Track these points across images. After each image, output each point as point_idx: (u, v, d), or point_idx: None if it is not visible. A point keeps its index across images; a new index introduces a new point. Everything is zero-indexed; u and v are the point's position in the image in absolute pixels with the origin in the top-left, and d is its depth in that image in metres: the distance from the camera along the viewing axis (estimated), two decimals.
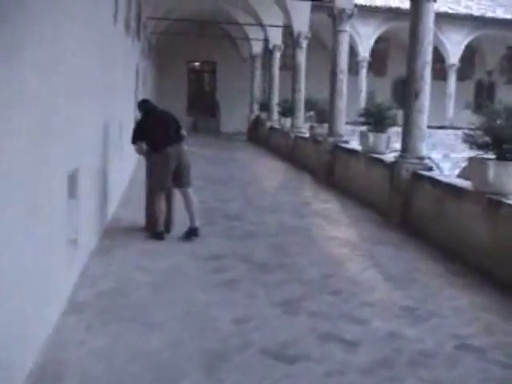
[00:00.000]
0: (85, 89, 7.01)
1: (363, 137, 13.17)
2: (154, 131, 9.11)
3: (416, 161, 10.51)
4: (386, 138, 12.94)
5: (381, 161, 12.02)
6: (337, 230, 10.14)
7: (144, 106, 9.67)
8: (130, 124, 14.94)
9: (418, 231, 9.87)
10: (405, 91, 10.72)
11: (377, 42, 32.66)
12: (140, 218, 9.37)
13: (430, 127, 22.88)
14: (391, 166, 11.02)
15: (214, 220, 10.29)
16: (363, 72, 31.80)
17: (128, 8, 12.94)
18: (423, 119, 10.53)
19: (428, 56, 10.51)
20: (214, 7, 26.55)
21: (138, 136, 9.20)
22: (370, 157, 12.73)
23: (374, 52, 32.65)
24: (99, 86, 8.33)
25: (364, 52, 31.90)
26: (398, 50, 36.62)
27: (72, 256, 6.43)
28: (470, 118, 11.42)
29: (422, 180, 10.17)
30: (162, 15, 23.20)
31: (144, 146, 9.11)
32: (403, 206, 10.49)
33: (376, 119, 12.76)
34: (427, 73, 10.52)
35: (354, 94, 25.08)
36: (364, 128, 13.37)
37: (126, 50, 12.78)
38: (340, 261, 8.18)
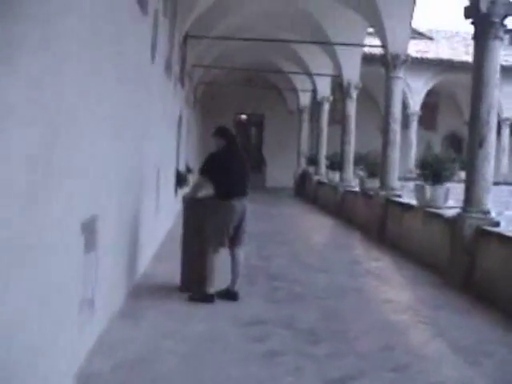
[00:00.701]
0: (106, 123, 6.13)
1: (419, 190, 12.12)
2: (229, 173, 7.79)
3: (481, 215, 9.45)
4: (445, 190, 11.88)
5: (440, 216, 10.95)
6: (392, 291, 9.06)
7: (228, 135, 8.12)
8: (170, 172, 14.21)
9: (484, 295, 8.73)
10: (468, 138, 9.71)
11: (427, 95, 31.74)
12: (176, 275, 8.39)
13: None
14: (452, 222, 9.97)
15: (255, 280, 9.29)
16: (414, 126, 30.82)
17: (169, 50, 12.24)
18: (489, 169, 9.50)
19: (493, 100, 9.51)
20: (262, 58, 25.95)
21: (209, 171, 7.87)
22: (427, 211, 11.66)
23: (424, 105, 31.70)
24: (127, 124, 7.39)
25: (415, 106, 30.96)
26: (449, 104, 35.76)
27: (86, 319, 5.49)
28: None
29: (489, 236, 9.08)
30: (207, 65, 22.63)
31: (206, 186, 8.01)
32: (467, 266, 9.39)
33: (434, 171, 11.73)
34: (492, 118, 9.52)
35: (404, 148, 24.10)
36: (419, 182, 12.33)
37: (166, 93, 12.00)
38: (400, 329, 7.09)
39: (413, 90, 30.70)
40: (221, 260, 7.96)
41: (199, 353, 5.85)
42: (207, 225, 7.87)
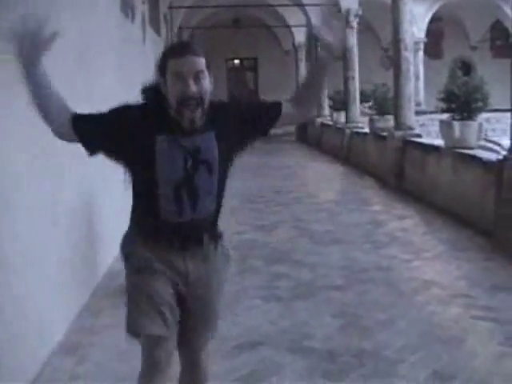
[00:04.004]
0: None
1: (446, 127, 9.92)
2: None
3: None
4: (477, 126, 9.71)
5: (477, 159, 8.79)
6: (430, 267, 6.94)
7: None
8: None
9: None
10: None
11: (430, 22, 29.41)
12: None
13: (497, 110, 19.46)
14: (497, 166, 7.83)
15: (250, 264, 7.22)
16: (420, 55, 28.46)
17: None
18: None
19: None
20: None
21: None
22: (458, 154, 9.49)
23: (428, 33, 29.42)
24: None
25: (419, 33, 28.55)
26: (454, 29, 33.53)
27: None
28: None
29: None
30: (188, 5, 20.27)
31: None
32: None
33: (462, 103, 9.53)
34: None
35: None
36: (445, 117, 10.12)
37: (127, 38, 9.62)
38: (454, 337, 4.93)
39: (416, 15, 28.29)
40: None
41: None
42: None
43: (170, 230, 2.91)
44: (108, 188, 7.40)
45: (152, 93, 2.94)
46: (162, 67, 2.83)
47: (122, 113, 2.88)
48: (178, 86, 2.77)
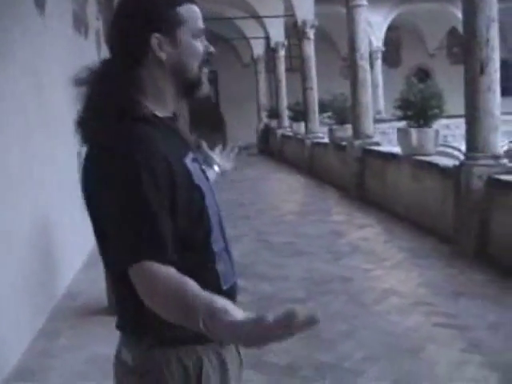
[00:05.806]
0: None
1: (403, 135, 9.94)
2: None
3: (491, 161, 7.34)
4: (434, 133, 9.75)
5: (435, 165, 8.82)
6: (391, 275, 6.92)
7: None
8: None
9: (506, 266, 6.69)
10: (465, 65, 7.52)
11: (387, 30, 29.70)
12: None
13: (455, 116, 19.52)
14: (454, 172, 7.84)
15: None
16: (378, 64, 28.72)
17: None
18: (495, 101, 7.35)
19: (493, 12, 7.32)
20: (203, 8, 23.35)
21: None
22: (417, 161, 9.52)
23: (385, 42, 29.69)
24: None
25: (377, 42, 28.82)
26: (411, 38, 33.88)
27: None
28: None
29: (506, 188, 7.00)
30: None
31: None
32: (479, 229, 7.31)
33: (419, 111, 9.56)
34: (493, 35, 7.33)
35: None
36: (402, 125, 10.15)
37: (80, 54, 9.52)
38: (415, 345, 4.90)
39: (373, 25, 28.55)
40: None
41: None
42: None
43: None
44: (65, 209, 7.28)
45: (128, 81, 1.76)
46: (166, 18, 1.79)
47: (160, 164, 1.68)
48: (202, 44, 1.87)
